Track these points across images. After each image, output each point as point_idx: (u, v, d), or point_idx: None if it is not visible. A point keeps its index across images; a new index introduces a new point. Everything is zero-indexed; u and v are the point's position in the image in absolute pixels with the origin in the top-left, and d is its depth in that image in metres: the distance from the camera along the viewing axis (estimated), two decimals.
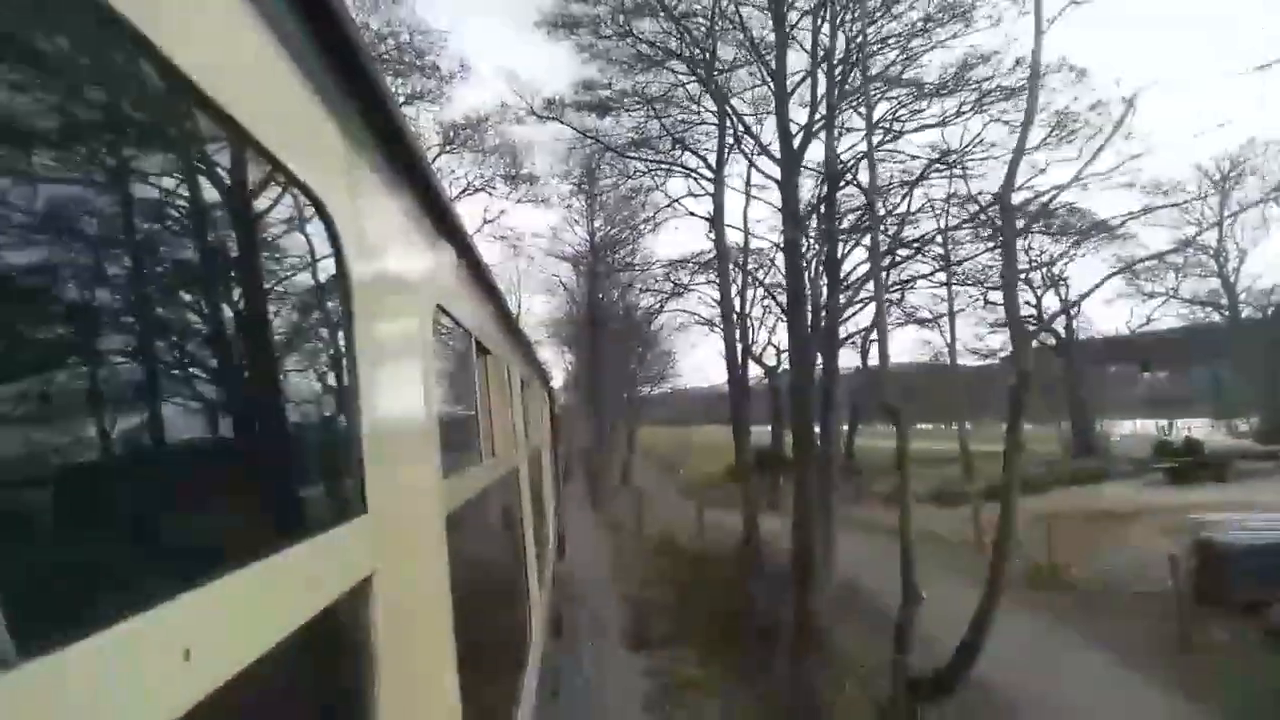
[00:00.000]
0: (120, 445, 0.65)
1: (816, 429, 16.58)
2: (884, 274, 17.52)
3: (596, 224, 31.40)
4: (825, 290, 17.17)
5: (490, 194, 25.29)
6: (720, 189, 19.52)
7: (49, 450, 0.57)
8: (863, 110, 14.62)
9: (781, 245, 17.82)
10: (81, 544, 0.59)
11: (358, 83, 1.20)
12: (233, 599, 0.71)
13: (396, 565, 1.24)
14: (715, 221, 19.61)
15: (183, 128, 0.77)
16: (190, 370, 0.80)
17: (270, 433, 0.99)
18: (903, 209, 19.08)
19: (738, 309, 21.65)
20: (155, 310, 0.73)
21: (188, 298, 0.80)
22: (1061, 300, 39.23)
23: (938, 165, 17.99)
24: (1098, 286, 32.37)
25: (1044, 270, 38.07)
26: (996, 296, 26.31)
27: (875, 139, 15.08)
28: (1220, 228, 40.96)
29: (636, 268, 28.45)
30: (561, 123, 20.65)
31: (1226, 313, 43.68)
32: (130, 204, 0.69)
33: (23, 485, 0.54)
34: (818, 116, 16.54)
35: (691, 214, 21.24)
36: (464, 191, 24.13)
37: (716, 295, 23.56)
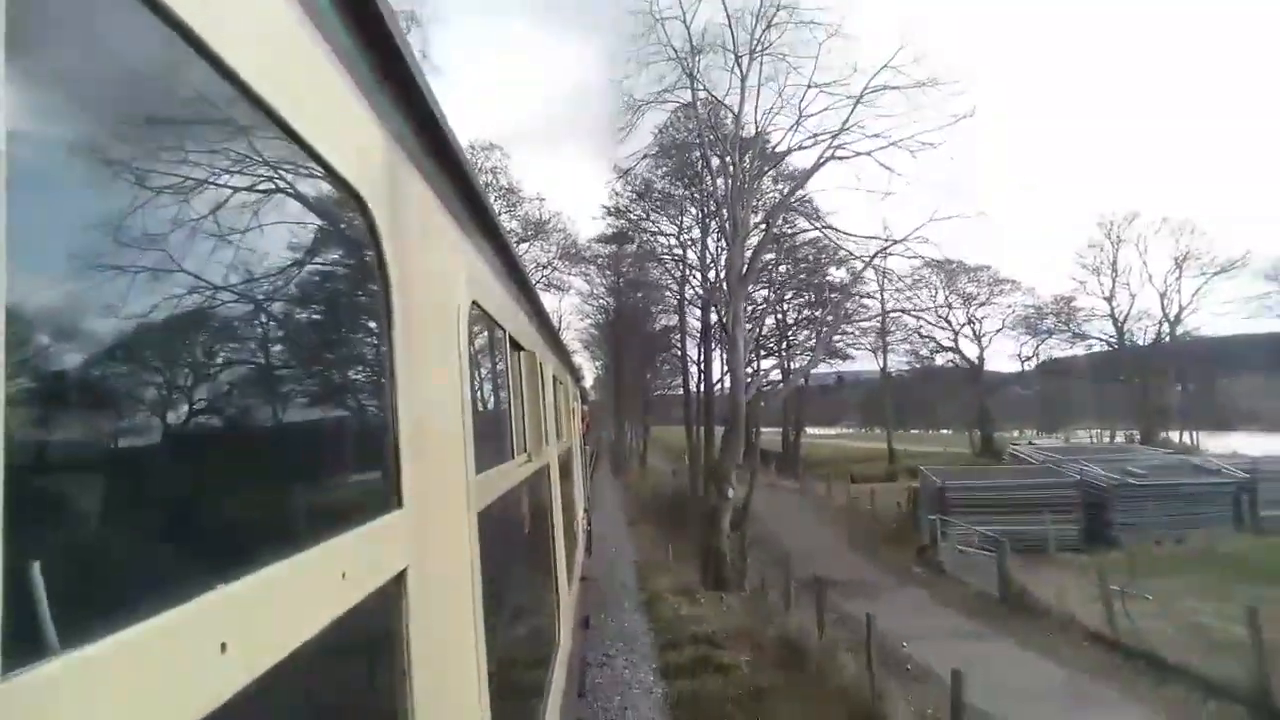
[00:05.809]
0: (160, 439, 0.66)
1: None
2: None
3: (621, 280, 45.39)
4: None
5: (554, 269, 36.97)
6: (682, 302, 35.34)
7: (91, 444, 0.59)
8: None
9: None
10: (120, 537, 0.60)
11: (396, 76, 1.20)
12: (269, 592, 0.72)
13: (429, 561, 1.25)
14: (679, 315, 35.82)
15: (223, 122, 0.77)
16: (230, 365, 0.81)
17: (308, 427, 1.00)
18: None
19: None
20: (198, 306, 0.73)
21: (228, 293, 0.79)
22: (976, 339, 53.28)
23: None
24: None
25: (955, 314, 51.75)
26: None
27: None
28: (1114, 275, 53.77)
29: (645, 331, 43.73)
30: (592, 262, 36.81)
31: (1116, 345, 56.00)
32: (174, 200, 0.69)
33: (64, 479, 0.55)
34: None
35: (665, 325, 39.26)
36: (533, 268, 37.67)
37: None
